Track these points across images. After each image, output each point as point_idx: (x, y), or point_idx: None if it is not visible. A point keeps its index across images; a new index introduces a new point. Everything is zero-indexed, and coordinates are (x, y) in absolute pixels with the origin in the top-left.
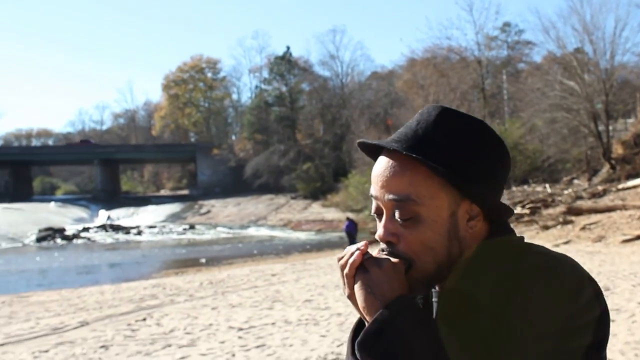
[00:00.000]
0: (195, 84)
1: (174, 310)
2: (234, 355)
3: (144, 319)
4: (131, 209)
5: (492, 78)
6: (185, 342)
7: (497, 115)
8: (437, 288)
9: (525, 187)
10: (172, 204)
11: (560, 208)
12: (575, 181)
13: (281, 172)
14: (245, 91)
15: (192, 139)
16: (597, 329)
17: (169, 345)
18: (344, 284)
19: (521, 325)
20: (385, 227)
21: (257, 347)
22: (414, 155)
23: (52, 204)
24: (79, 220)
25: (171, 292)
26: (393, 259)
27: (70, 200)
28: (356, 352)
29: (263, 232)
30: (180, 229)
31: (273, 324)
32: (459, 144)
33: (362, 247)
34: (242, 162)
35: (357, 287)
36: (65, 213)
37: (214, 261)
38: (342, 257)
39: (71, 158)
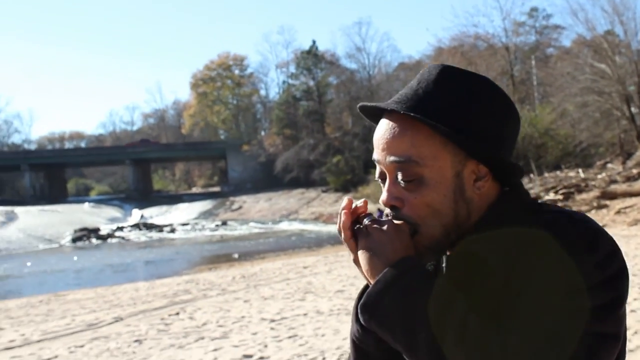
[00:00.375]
0: (223, 81)
1: (207, 304)
2: (266, 346)
3: (177, 314)
4: (164, 207)
5: (520, 64)
6: (218, 334)
7: (527, 101)
8: (447, 254)
9: (558, 172)
10: (204, 201)
11: (594, 192)
12: (609, 165)
13: (311, 166)
14: (272, 87)
15: (222, 136)
16: (613, 287)
17: (202, 338)
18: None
19: (532, 285)
20: (388, 191)
21: (289, 337)
22: (412, 115)
23: (86, 204)
24: (113, 219)
25: (204, 286)
26: (396, 221)
27: (104, 200)
28: (359, 315)
29: (295, 226)
30: (212, 225)
31: (305, 314)
32: (462, 102)
33: (348, 206)
34: (272, 158)
35: (359, 251)
36: (99, 213)
37: (246, 256)
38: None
39: (103, 159)
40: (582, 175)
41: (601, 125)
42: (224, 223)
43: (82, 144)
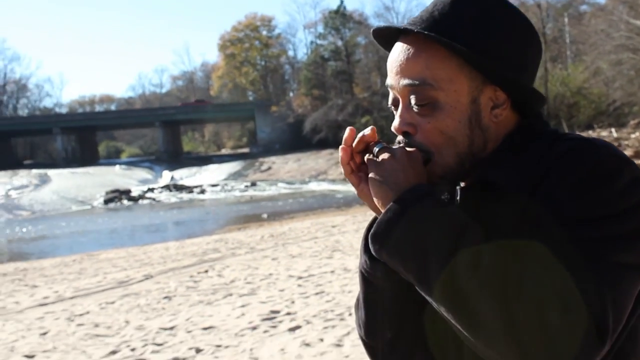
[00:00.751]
0: (251, 42)
1: (235, 262)
2: (293, 302)
3: (206, 271)
4: (193, 169)
5: (553, 22)
6: (246, 291)
7: (559, 60)
8: (462, 185)
9: (590, 132)
10: (233, 162)
11: (628, 152)
12: None
13: (340, 127)
14: (300, 47)
15: (250, 98)
16: (637, 215)
17: (230, 295)
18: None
19: (551, 214)
20: (401, 116)
21: (316, 294)
22: (427, 33)
23: (117, 167)
24: (144, 181)
25: (233, 245)
26: (409, 148)
27: (135, 162)
28: (370, 245)
29: (324, 186)
30: (242, 186)
31: (332, 272)
32: (480, 23)
33: (347, 141)
34: (300, 118)
35: (370, 180)
36: (130, 175)
37: (275, 216)
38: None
39: (133, 121)
40: (615, 134)
41: (636, 84)
42: (253, 184)
43: (112, 107)
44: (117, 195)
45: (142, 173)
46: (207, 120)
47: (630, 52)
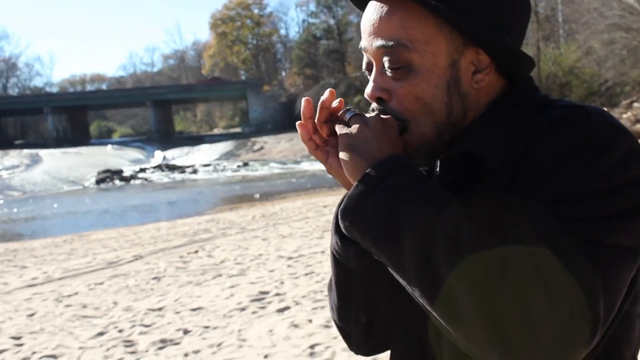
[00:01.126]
0: (243, 21)
1: (226, 243)
2: (282, 282)
3: (196, 252)
4: (186, 149)
5: (545, 0)
6: (235, 271)
7: (551, 39)
8: (441, 157)
9: None
10: (226, 142)
11: None
12: (635, 104)
13: None
14: (292, 26)
15: (242, 77)
16: (632, 193)
17: (219, 275)
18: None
19: (536, 189)
20: (374, 81)
21: (306, 274)
22: None
23: (109, 146)
24: (136, 161)
25: (224, 225)
26: (383, 116)
27: (126, 142)
28: (339, 221)
29: (316, 166)
30: (234, 166)
31: (322, 252)
32: None
33: (306, 113)
34: (293, 98)
35: (340, 150)
36: (122, 155)
37: (267, 196)
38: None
39: (124, 101)
40: None
41: (628, 63)
42: (245, 164)
43: (104, 86)
44: (109, 176)
45: (134, 153)
46: (199, 100)
47: (622, 32)
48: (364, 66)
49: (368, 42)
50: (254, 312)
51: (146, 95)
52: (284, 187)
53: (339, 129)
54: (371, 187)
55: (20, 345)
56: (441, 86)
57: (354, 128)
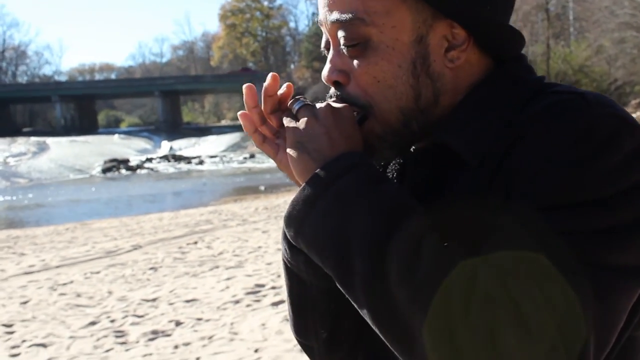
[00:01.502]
0: (252, 13)
1: (226, 234)
2: (279, 276)
3: (195, 242)
4: (193, 140)
5: None
6: (233, 263)
7: (561, 37)
8: (411, 151)
9: None
10: (233, 133)
11: None
12: None
13: None
14: (302, 19)
15: (251, 68)
16: (636, 201)
17: (217, 267)
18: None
19: (522, 195)
20: (331, 61)
21: None
22: None
23: (116, 136)
24: (143, 151)
25: (226, 217)
26: (335, 104)
27: (134, 132)
28: (284, 227)
29: None
30: (240, 157)
31: None
32: None
33: (249, 101)
34: (301, 91)
35: (287, 148)
36: (129, 145)
37: (272, 188)
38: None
39: (133, 91)
40: None
41: (638, 63)
42: (252, 156)
43: (112, 76)
44: (116, 165)
45: (141, 143)
46: (207, 91)
47: (633, 30)
48: (322, 44)
49: (323, 15)
50: (248, 305)
51: (155, 85)
52: (289, 180)
53: (287, 122)
54: (319, 192)
55: (11, 333)
56: (405, 65)
57: (302, 122)
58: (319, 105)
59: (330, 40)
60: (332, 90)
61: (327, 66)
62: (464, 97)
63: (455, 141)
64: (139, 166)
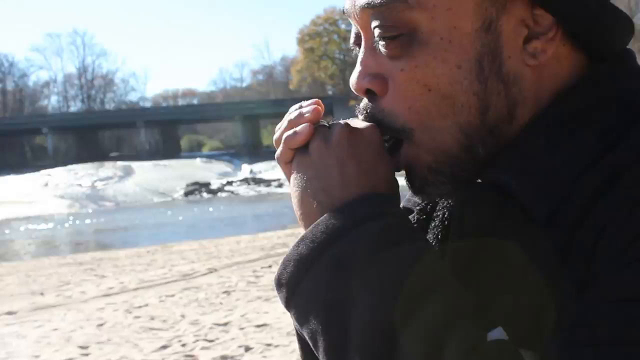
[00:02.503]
0: (330, 36)
1: None
2: None
3: (270, 266)
4: (272, 163)
5: None
6: None
7: None
8: (470, 190)
9: None
10: None
11: None
12: None
13: None
14: None
15: (329, 92)
16: None
17: None
18: None
19: (598, 280)
20: (362, 62)
21: None
22: None
23: (198, 159)
24: (223, 174)
25: None
26: (357, 123)
27: (215, 155)
28: (275, 287)
29: (402, 181)
30: None
31: None
32: None
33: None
34: None
35: (290, 183)
36: (210, 168)
37: None
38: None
39: (214, 115)
40: None
41: None
42: None
43: (195, 101)
44: (197, 188)
45: (222, 166)
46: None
47: None
48: (351, 40)
49: (350, 0)
50: None
51: (236, 109)
52: None
53: (296, 151)
54: (314, 255)
55: (86, 355)
56: (467, 65)
57: (311, 149)
58: (336, 123)
59: (361, 33)
60: (364, 102)
61: (357, 69)
62: (541, 113)
63: (519, 186)
64: (220, 189)
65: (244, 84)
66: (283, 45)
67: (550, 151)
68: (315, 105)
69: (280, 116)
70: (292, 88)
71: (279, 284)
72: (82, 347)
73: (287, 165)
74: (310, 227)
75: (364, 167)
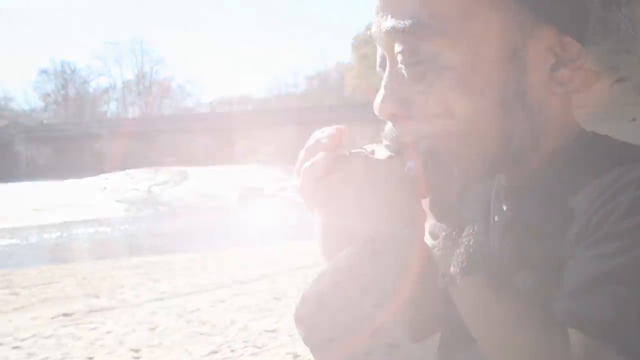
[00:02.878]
0: None
1: None
2: None
3: None
4: None
5: None
6: None
7: None
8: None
9: None
10: None
11: None
12: None
13: None
14: None
15: None
16: None
17: None
18: None
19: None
20: (387, 87)
21: None
22: None
23: (253, 165)
24: (277, 180)
25: None
26: (378, 151)
27: (269, 161)
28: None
29: None
30: None
31: None
32: None
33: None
34: None
35: (314, 216)
36: (264, 173)
37: None
38: None
39: (269, 121)
40: None
41: None
42: None
43: (249, 107)
44: (251, 193)
45: (276, 171)
46: (340, 121)
47: None
48: (377, 63)
49: (376, 24)
50: None
51: (290, 115)
52: None
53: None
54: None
55: (138, 358)
56: (491, 93)
57: (330, 182)
58: (355, 153)
59: (386, 56)
60: (388, 126)
61: (381, 93)
62: (571, 140)
63: (537, 220)
64: (274, 194)
65: (299, 90)
66: (338, 52)
67: (575, 186)
68: (333, 132)
69: (335, 122)
70: (346, 94)
71: (297, 320)
72: (134, 350)
73: (309, 198)
74: (329, 264)
75: (382, 202)
